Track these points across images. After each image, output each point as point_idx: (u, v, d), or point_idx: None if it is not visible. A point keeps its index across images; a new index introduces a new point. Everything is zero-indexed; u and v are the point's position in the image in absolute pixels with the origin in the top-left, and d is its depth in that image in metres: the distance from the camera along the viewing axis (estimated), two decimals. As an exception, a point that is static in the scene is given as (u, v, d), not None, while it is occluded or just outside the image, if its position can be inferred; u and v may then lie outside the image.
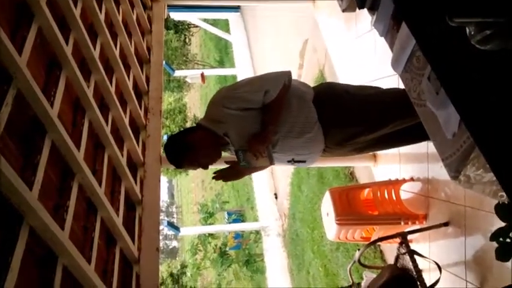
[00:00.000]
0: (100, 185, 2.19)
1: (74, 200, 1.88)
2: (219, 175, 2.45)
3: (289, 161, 2.39)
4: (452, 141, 1.36)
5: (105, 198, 2.17)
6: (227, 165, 2.48)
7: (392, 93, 2.41)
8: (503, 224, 1.32)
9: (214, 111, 2.32)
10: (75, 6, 2.22)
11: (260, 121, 2.23)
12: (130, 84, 3.03)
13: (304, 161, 2.40)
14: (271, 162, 2.31)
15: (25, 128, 1.65)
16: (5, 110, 1.45)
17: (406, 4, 1.36)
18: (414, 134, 2.32)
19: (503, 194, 1.40)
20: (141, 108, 3.23)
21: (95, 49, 2.41)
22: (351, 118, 2.30)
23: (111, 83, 2.64)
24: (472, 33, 0.95)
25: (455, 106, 1.18)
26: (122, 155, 2.64)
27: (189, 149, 2.30)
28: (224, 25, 13.90)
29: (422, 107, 1.53)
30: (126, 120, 2.80)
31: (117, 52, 2.82)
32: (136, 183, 2.84)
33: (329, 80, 5.42)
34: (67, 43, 2.05)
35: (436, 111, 1.38)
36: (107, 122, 2.47)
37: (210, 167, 2.39)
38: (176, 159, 2.36)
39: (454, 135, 1.34)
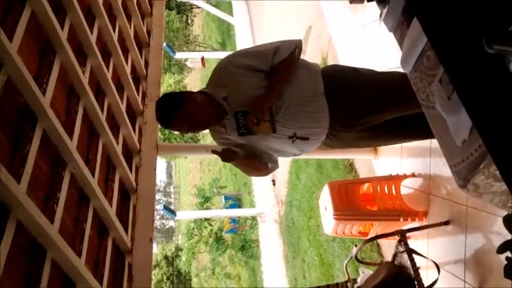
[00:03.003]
0: (93, 174, 2.13)
1: (65, 191, 1.82)
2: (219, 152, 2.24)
3: (290, 137, 2.23)
4: (461, 148, 1.30)
5: (97, 188, 2.11)
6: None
7: (399, 75, 2.34)
8: (509, 236, 1.27)
9: (218, 74, 2.24)
10: (72, -13, 2.13)
11: (265, 86, 2.14)
12: (128, 69, 2.95)
13: (307, 139, 2.25)
14: (273, 130, 2.14)
15: (15, 115, 1.59)
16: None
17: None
18: (422, 130, 2.25)
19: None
20: (138, 93, 3.15)
21: (92, 33, 2.33)
22: (359, 93, 2.25)
23: (108, 68, 2.56)
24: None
25: (468, 111, 1.12)
26: (117, 143, 2.57)
27: (184, 102, 2.14)
28: (227, 7, 13.74)
29: (430, 109, 1.46)
30: (123, 107, 2.72)
31: (115, 36, 2.73)
32: (131, 171, 2.78)
33: (332, 68, 5.32)
34: (62, 27, 1.97)
35: (446, 117, 1.31)
36: (102, 108, 2.40)
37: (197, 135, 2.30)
38: (168, 112, 2.16)
39: (464, 142, 1.27)
